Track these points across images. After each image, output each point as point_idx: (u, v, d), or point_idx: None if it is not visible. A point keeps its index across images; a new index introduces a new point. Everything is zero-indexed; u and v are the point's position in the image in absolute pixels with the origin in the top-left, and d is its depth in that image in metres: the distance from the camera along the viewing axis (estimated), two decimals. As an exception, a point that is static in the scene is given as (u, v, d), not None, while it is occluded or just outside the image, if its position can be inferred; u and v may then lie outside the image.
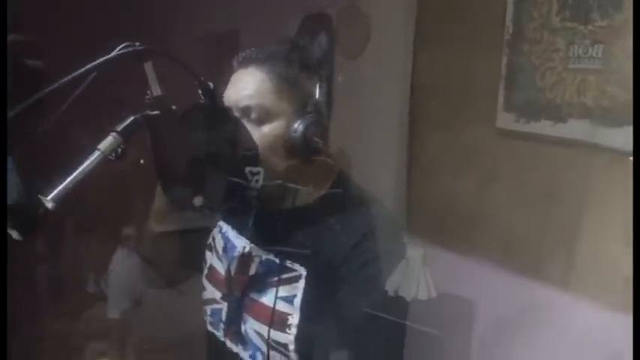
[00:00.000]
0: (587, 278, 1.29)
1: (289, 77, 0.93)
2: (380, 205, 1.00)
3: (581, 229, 1.31)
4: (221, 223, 1.09)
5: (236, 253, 1.02)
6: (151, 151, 0.75)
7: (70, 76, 0.63)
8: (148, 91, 0.73)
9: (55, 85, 0.62)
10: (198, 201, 0.76)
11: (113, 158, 0.68)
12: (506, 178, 1.50)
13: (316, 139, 0.90)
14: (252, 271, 1.00)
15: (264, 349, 0.96)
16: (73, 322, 2.36)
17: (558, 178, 1.37)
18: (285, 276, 0.95)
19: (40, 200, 0.62)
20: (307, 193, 0.98)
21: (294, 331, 0.93)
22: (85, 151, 0.68)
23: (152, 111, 0.72)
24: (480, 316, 1.56)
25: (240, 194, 0.83)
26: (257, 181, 0.85)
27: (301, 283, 0.93)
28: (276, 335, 0.94)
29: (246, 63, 0.95)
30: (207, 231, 1.10)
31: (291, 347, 0.93)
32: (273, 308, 0.94)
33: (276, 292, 0.95)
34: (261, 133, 0.91)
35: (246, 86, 0.93)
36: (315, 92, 0.94)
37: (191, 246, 1.07)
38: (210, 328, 1.09)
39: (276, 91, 0.92)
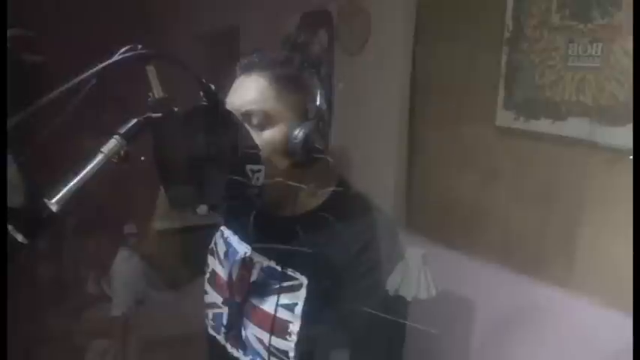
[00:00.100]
0: (586, 276, 1.30)
1: (291, 82, 0.94)
2: (380, 212, 1.01)
3: (580, 227, 1.32)
4: (223, 228, 1.09)
5: (237, 259, 1.03)
6: (153, 153, 0.75)
7: (72, 82, 0.63)
8: (150, 94, 0.74)
9: (57, 91, 0.62)
10: (202, 210, 0.77)
11: (116, 161, 0.69)
12: (505, 176, 1.50)
13: (317, 145, 0.92)
14: (254, 277, 1.00)
15: (265, 354, 0.97)
16: (75, 322, 2.37)
17: (558, 176, 1.38)
18: (286, 284, 0.95)
19: (44, 203, 0.63)
20: (308, 197, 0.98)
21: (294, 338, 0.94)
22: (88, 154, 0.68)
23: (154, 113, 0.72)
24: (479, 315, 1.57)
25: (241, 192, 0.84)
26: (258, 179, 0.85)
27: (302, 292, 0.94)
28: (277, 342, 0.95)
29: (248, 69, 0.96)
30: (209, 231, 1.11)
31: (292, 354, 0.94)
32: (274, 315, 0.95)
33: (277, 299, 0.95)
34: (262, 138, 0.92)
35: (249, 92, 0.94)
36: (317, 98, 0.95)
37: (193, 247, 1.08)
38: (211, 331, 1.10)
39: (277, 98, 0.93)
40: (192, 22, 3.08)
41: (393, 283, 0.87)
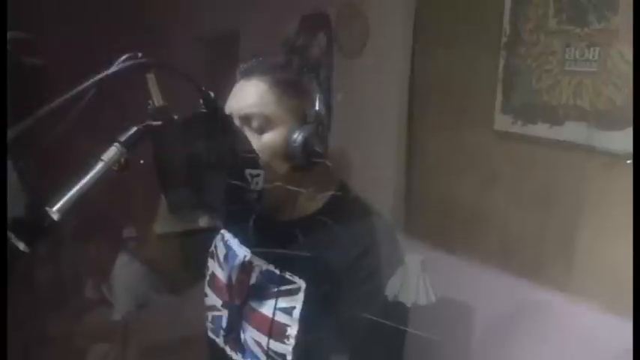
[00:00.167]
0: (585, 280, 1.31)
1: (290, 87, 0.95)
2: (380, 217, 1.01)
3: (578, 230, 1.32)
4: (223, 231, 1.10)
5: (237, 262, 1.04)
6: (153, 160, 0.75)
7: (72, 92, 0.64)
8: (150, 101, 0.74)
9: (57, 102, 0.63)
10: (203, 222, 0.77)
11: (116, 168, 0.69)
12: (504, 180, 1.51)
13: (316, 148, 0.92)
14: (253, 280, 1.01)
15: (263, 358, 0.98)
16: (75, 326, 2.37)
17: (556, 180, 1.39)
18: (284, 287, 0.96)
19: (45, 212, 0.63)
20: (307, 201, 0.99)
21: (292, 341, 0.94)
22: (89, 162, 0.68)
23: (154, 121, 0.73)
24: (478, 319, 1.57)
25: (240, 197, 0.84)
26: (257, 183, 0.86)
27: (300, 296, 0.94)
28: (275, 345, 0.96)
29: (248, 74, 0.97)
30: (210, 235, 1.11)
31: (289, 358, 0.95)
32: (273, 319, 0.95)
33: (276, 302, 0.96)
34: (261, 142, 0.92)
35: (249, 96, 0.95)
36: (316, 101, 0.95)
37: (194, 251, 1.08)
38: (211, 334, 1.10)
39: (277, 101, 0.94)
40: (191, 26, 3.08)
41: (392, 289, 0.87)
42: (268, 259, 0.99)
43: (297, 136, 0.91)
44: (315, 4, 2.16)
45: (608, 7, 1.25)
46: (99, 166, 0.67)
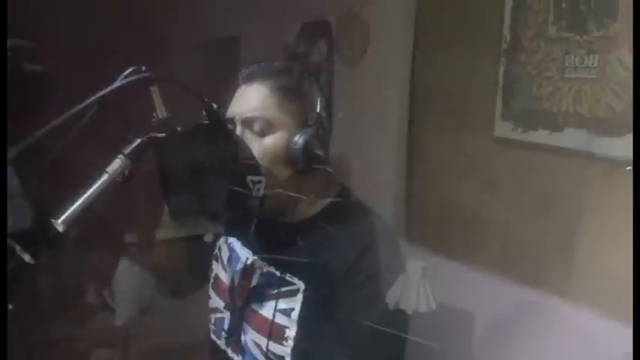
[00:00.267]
0: (585, 286, 1.31)
1: (291, 91, 0.96)
2: (380, 220, 1.02)
3: (578, 236, 1.33)
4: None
5: (240, 264, 1.05)
6: (156, 171, 0.76)
7: (75, 108, 0.65)
8: (154, 114, 0.75)
9: (61, 119, 0.64)
10: (208, 237, 0.78)
11: (120, 180, 0.70)
12: (504, 187, 1.51)
13: (317, 151, 0.93)
14: (254, 282, 1.02)
15: None
16: (77, 331, 2.38)
17: (555, 187, 1.39)
18: (284, 289, 0.97)
19: (51, 224, 0.64)
20: (308, 205, 1.00)
21: (290, 343, 0.95)
22: (93, 173, 0.69)
23: (158, 133, 0.74)
24: (479, 325, 1.58)
25: (242, 203, 0.85)
26: (258, 190, 0.86)
27: (299, 297, 0.95)
28: (274, 347, 0.96)
29: (250, 79, 0.98)
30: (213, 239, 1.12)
31: None
32: (272, 320, 0.96)
33: (276, 304, 0.97)
34: (263, 145, 0.94)
35: (250, 100, 0.96)
36: (317, 105, 0.97)
37: (197, 255, 1.09)
38: (213, 336, 1.11)
39: (278, 105, 0.95)
40: (193, 33, 3.10)
41: (392, 296, 0.87)
42: (269, 261, 1.00)
43: (298, 139, 0.93)
44: (316, 11, 2.17)
45: (608, 14, 1.26)
46: (103, 179, 0.69)
